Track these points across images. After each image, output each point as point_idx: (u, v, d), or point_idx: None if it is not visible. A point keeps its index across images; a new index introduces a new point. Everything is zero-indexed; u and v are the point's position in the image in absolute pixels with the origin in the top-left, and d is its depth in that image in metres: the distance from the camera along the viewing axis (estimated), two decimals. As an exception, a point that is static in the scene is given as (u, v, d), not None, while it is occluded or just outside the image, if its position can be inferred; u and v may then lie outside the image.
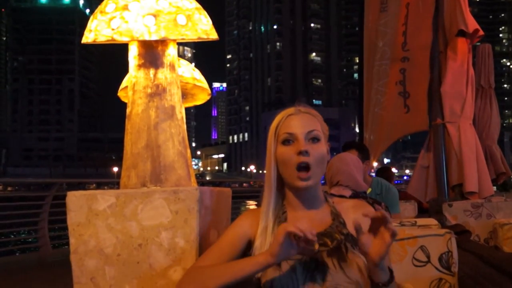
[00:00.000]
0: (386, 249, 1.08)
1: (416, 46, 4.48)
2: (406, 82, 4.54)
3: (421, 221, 1.89)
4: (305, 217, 1.27)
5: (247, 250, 1.28)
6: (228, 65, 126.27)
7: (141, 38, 1.43)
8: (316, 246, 1.09)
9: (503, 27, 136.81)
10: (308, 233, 1.06)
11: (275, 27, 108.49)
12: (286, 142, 1.25)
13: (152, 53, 1.53)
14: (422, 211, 4.25)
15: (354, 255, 1.20)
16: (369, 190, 3.00)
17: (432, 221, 1.89)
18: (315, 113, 1.30)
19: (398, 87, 4.59)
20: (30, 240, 7.53)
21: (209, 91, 2.02)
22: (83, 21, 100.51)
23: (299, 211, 1.29)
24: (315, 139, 1.25)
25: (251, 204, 10.68)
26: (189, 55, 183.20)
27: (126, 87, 1.65)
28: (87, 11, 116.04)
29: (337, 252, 1.20)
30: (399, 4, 4.65)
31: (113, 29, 1.42)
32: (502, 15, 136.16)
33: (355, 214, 1.28)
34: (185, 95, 1.95)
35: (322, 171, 1.27)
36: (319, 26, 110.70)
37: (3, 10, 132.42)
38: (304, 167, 1.22)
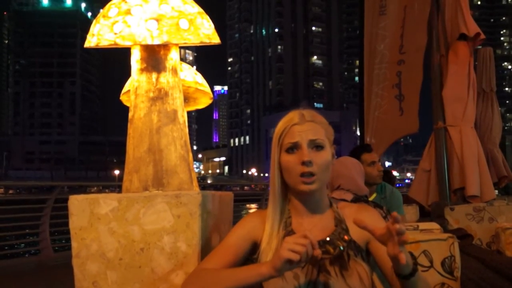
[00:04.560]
0: (395, 253, 1.03)
1: (411, 48, 4.49)
2: (402, 85, 4.55)
3: (423, 225, 1.88)
4: (308, 223, 1.27)
5: (251, 251, 1.29)
6: (229, 68, 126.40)
7: (143, 43, 1.43)
8: (319, 255, 1.09)
9: (504, 31, 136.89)
10: (303, 253, 1.05)
11: (276, 30, 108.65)
12: (290, 150, 1.25)
13: (154, 57, 1.53)
14: (424, 215, 4.24)
15: (355, 263, 1.21)
16: (373, 196, 2.99)
17: (434, 225, 1.88)
18: (319, 119, 1.29)
19: (394, 90, 4.60)
20: (31, 243, 7.52)
21: (211, 95, 2.02)
22: (84, 24, 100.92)
23: (303, 216, 1.29)
24: (319, 147, 1.25)
25: (253, 208, 10.66)
26: (191, 58, 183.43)
27: (128, 91, 1.65)
28: (89, 14, 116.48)
29: (339, 259, 1.20)
30: (398, 7, 4.66)
31: (115, 34, 1.43)
32: (503, 18, 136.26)
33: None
34: (187, 99, 1.95)
35: (327, 177, 1.27)
36: (320, 29, 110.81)
37: (5, 13, 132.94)
38: (308, 173, 1.22)
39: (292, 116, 1.27)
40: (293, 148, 1.24)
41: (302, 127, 1.25)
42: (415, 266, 1.10)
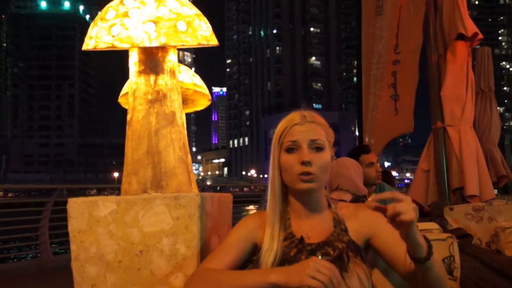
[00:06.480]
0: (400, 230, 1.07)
1: (406, 48, 4.51)
2: (397, 85, 4.57)
3: (423, 225, 1.88)
4: (307, 224, 1.27)
5: (252, 252, 1.29)
6: (228, 69, 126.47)
7: (141, 45, 1.43)
8: (319, 256, 1.09)
9: (502, 30, 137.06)
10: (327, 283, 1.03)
11: (274, 31, 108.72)
12: (289, 150, 1.25)
13: (152, 59, 1.53)
14: (423, 215, 4.24)
15: (355, 264, 1.20)
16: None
17: (433, 225, 1.88)
18: (320, 120, 1.29)
19: (390, 90, 4.62)
20: (30, 246, 7.51)
21: (210, 97, 2.02)
22: (83, 27, 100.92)
23: (302, 217, 1.29)
24: (319, 148, 1.25)
25: (252, 209, 10.66)
26: (189, 60, 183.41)
27: (127, 93, 1.65)
28: (87, 17, 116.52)
29: (339, 261, 1.20)
30: (393, 7, 4.68)
31: (113, 36, 1.43)
32: (501, 18, 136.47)
33: (358, 218, 1.28)
34: (185, 101, 1.95)
35: (325, 178, 1.27)
36: (318, 30, 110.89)
37: (3, 16, 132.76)
38: (306, 173, 1.22)
39: (293, 116, 1.28)
40: (293, 147, 1.24)
41: (303, 127, 1.25)
42: (430, 249, 1.11)
